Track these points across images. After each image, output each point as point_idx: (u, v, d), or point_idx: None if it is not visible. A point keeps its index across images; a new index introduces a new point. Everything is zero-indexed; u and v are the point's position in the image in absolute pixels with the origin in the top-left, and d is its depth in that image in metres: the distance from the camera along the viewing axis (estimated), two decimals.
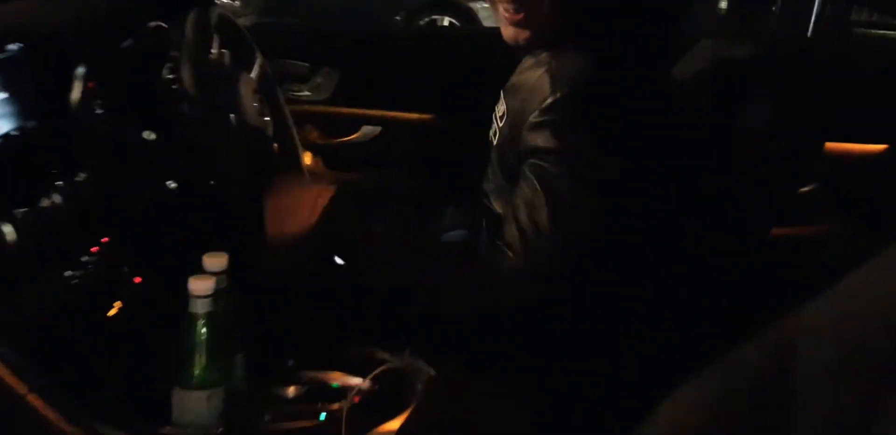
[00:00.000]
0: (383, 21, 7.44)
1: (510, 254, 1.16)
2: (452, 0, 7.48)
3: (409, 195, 1.65)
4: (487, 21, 7.40)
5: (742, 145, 1.32)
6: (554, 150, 1.16)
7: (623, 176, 1.17)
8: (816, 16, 1.45)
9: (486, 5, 6.98)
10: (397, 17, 7.34)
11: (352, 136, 2.10)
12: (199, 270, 1.12)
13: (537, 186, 1.16)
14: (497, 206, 1.36)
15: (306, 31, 2.15)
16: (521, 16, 1.25)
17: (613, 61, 1.23)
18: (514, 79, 1.37)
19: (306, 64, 2.01)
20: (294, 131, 1.68)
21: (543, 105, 1.19)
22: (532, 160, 1.20)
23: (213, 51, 1.47)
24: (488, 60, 1.98)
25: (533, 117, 1.20)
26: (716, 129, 1.34)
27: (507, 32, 1.30)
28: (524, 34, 1.28)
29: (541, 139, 1.18)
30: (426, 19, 7.47)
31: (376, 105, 2.05)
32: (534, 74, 1.27)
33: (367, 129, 2.10)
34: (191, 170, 1.35)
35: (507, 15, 1.27)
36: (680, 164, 1.26)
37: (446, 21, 7.47)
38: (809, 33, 1.49)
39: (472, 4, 7.44)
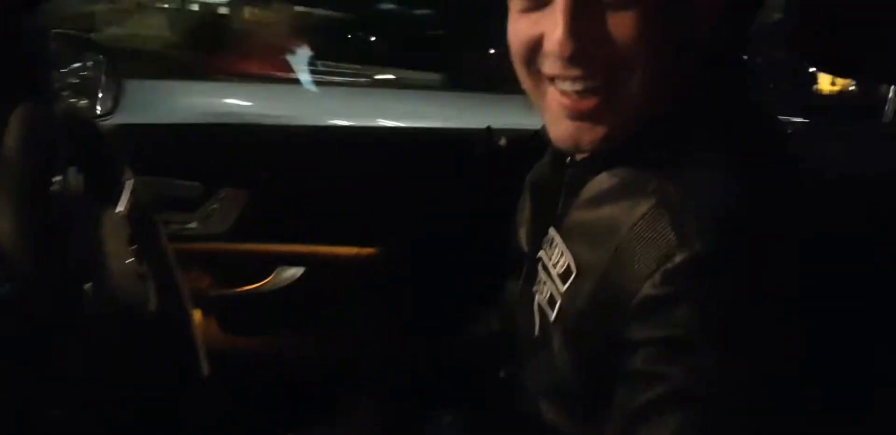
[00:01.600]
0: None
1: None
2: None
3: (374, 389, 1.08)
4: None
5: None
6: (705, 344, 0.68)
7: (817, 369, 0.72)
8: None
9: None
10: None
11: (261, 283, 1.48)
12: None
13: (689, 408, 0.69)
14: (559, 420, 0.85)
15: (196, 134, 1.53)
16: (595, 101, 0.75)
17: (773, 181, 0.75)
18: (587, 213, 0.84)
19: (197, 183, 1.39)
20: (183, 291, 1.07)
21: (668, 266, 0.68)
22: (662, 363, 0.70)
23: (57, 173, 0.86)
24: (461, 170, 1.52)
25: (648, 286, 0.69)
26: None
27: (563, 130, 0.79)
28: (594, 133, 0.77)
29: (672, 325, 0.69)
30: None
31: (297, 238, 1.45)
32: (630, 208, 0.75)
33: (282, 273, 1.48)
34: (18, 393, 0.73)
35: (565, 100, 0.76)
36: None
37: None
38: None
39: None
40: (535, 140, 0.89)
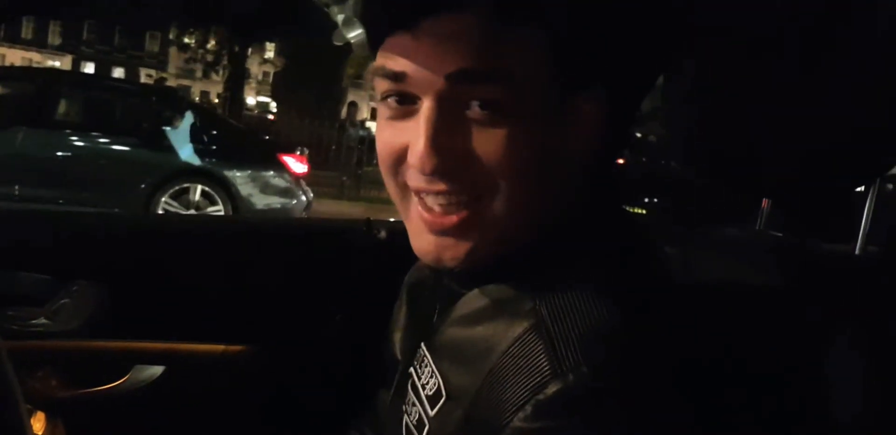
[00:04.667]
0: (129, 190, 7.05)
1: None
2: (204, 168, 7.13)
3: None
4: (245, 187, 7.27)
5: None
6: None
7: None
8: (865, 230, 1.04)
9: (242, 173, 6.81)
10: (142, 186, 6.90)
11: (115, 384, 1.36)
12: None
13: None
14: None
15: (46, 219, 1.42)
16: (458, 217, 0.72)
17: (650, 305, 0.72)
18: (455, 332, 0.81)
19: (47, 277, 1.28)
20: (19, 404, 0.96)
21: (541, 397, 0.65)
22: None
23: None
24: (338, 264, 1.46)
25: (519, 419, 0.65)
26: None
27: (425, 244, 0.76)
28: (457, 249, 0.74)
29: None
30: (177, 187, 7.12)
31: (158, 335, 1.35)
32: (501, 330, 0.72)
33: (140, 372, 1.37)
34: None
35: (428, 215, 0.74)
36: None
37: (199, 189, 7.12)
38: (857, 251, 1.06)
39: (226, 172, 7.12)
40: None
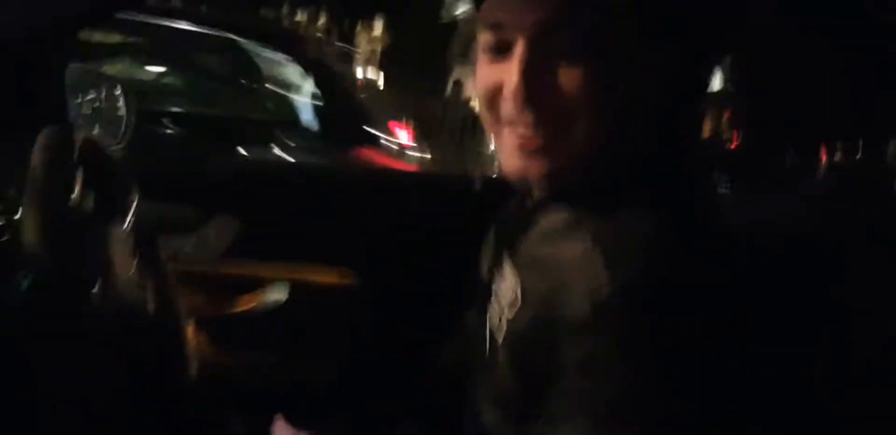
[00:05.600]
0: None
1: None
2: None
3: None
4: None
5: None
6: (619, 371, 0.77)
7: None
8: None
9: None
10: None
11: (250, 303, 1.59)
12: None
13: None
14: (502, 424, 0.92)
15: (196, 165, 1.66)
16: (542, 141, 0.87)
17: (694, 225, 0.85)
18: (535, 248, 0.94)
19: (193, 210, 1.51)
20: (177, 303, 1.18)
21: (595, 297, 0.78)
22: (584, 383, 0.78)
23: (74, 191, 0.97)
24: (435, 212, 1.65)
25: (581, 313, 0.78)
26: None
27: (514, 163, 0.90)
28: (540, 167, 0.88)
29: (596, 351, 0.77)
30: None
31: (286, 260, 1.57)
32: (571, 245, 0.86)
33: (270, 293, 1.59)
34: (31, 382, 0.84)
35: (518, 140, 0.88)
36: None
37: None
38: None
39: None
40: (505, 185, 0.99)
